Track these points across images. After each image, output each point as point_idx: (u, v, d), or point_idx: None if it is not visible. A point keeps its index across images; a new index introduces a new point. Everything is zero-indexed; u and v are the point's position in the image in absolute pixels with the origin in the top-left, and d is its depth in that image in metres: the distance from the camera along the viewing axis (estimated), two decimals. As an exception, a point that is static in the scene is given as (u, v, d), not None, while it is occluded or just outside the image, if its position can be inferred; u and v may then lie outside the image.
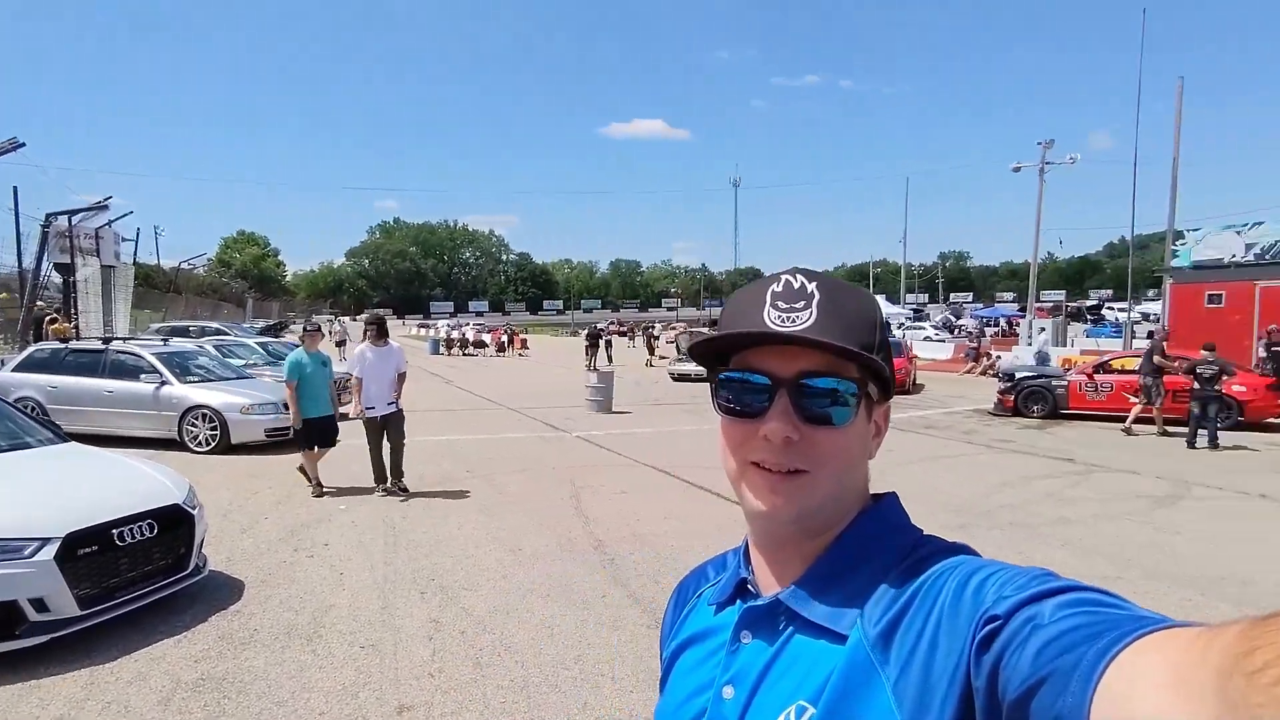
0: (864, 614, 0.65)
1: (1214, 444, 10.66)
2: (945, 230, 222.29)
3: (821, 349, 0.67)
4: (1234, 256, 17.94)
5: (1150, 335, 17.68)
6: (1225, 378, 10.98)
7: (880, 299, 49.88)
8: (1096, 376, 13.56)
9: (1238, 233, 18.25)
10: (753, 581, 0.75)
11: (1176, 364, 11.57)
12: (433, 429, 12.26)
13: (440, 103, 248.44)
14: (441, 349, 38.44)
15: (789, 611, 0.69)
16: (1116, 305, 55.17)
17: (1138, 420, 11.98)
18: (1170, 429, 11.91)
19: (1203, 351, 11.03)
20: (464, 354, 38.19)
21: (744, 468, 0.71)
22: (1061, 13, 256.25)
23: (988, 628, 0.54)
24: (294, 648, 4.22)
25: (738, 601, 0.76)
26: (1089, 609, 0.51)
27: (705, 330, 35.84)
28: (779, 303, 0.71)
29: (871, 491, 0.76)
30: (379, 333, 7.75)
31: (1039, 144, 30.44)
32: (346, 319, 64.90)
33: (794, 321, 0.68)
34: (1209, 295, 15.90)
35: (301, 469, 7.85)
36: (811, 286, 0.71)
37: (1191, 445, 10.76)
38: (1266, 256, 17.40)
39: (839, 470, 0.70)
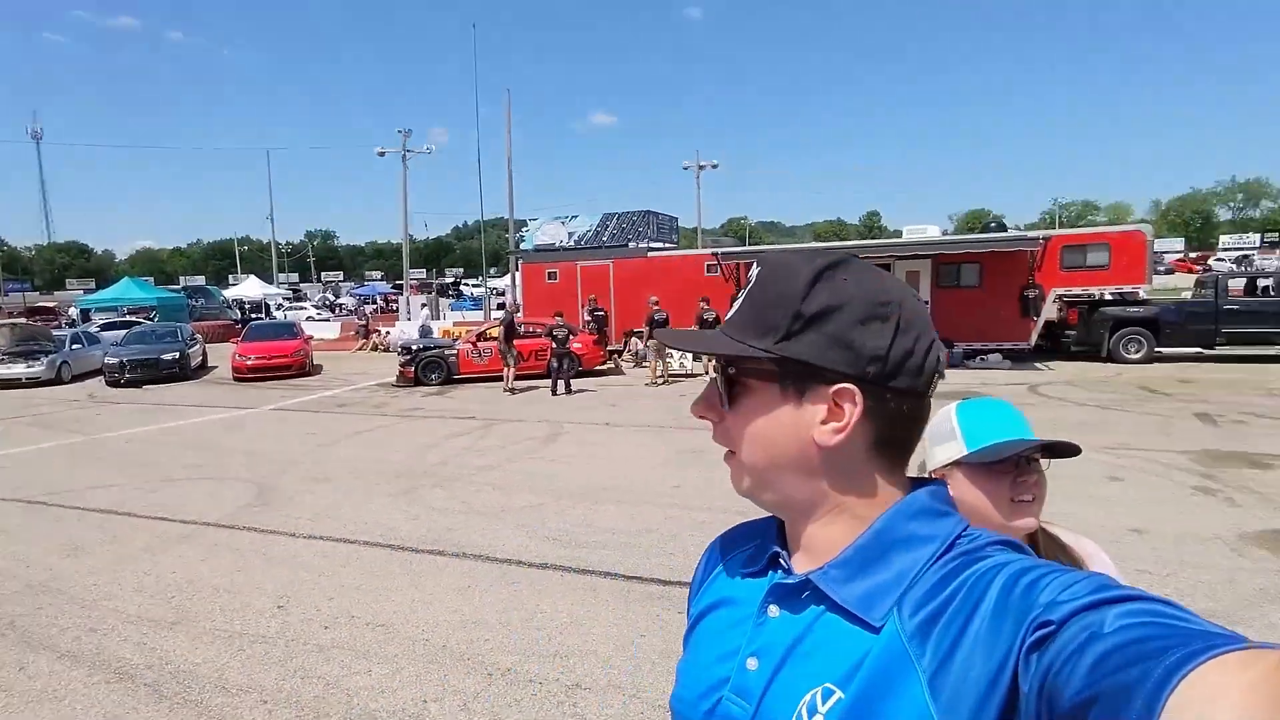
0: (901, 604, 0.63)
1: (569, 389, 13.63)
2: (311, 209, 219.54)
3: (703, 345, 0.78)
4: (561, 242, 23.26)
5: (502, 308, 21.28)
6: (572, 337, 14.09)
7: (252, 279, 46.95)
8: (479, 344, 15.70)
9: (563, 223, 23.78)
10: (784, 556, 0.74)
11: (538, 329, 14.32)
12: None
13: None
14: None
15: (818, 592, 0.68)
16: (470, 282, 63.53)
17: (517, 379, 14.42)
18: (518, 385, 14.63)
19: (556, 318, 13.93)
20: None
21: None
22: (402, 13, 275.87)
23: (1039, 632, 0.53)
24: None
25: (768, 573, 0.75)
26: (1154, 620, 0.48)
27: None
28: (740, 291, 0.75)
29: (911, 476, 0.74)
30: None
31: (399, 131, 32.90)
32: None
33: (730, 312, 0.75)
34: (548, 273, 19.97)
35: None
36: (754, 272, 0.74)
37: (554, 393, 13.51)
38: (582, 243, 22.98)
39: (749, 454, 0.71)
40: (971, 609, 0.59)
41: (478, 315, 28.06)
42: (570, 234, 23.43)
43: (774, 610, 0.71)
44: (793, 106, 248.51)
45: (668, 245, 23.13)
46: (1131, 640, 0.47)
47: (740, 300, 0.73)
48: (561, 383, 13.63)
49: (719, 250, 18.83)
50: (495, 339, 14.50)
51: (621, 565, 5.18)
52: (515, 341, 14.13)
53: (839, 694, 0.62)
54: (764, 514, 0.81)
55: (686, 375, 15.71)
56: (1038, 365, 15.06)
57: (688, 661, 0.79)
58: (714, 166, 44.66)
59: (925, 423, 0.72)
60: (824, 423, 0.68)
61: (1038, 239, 15.85)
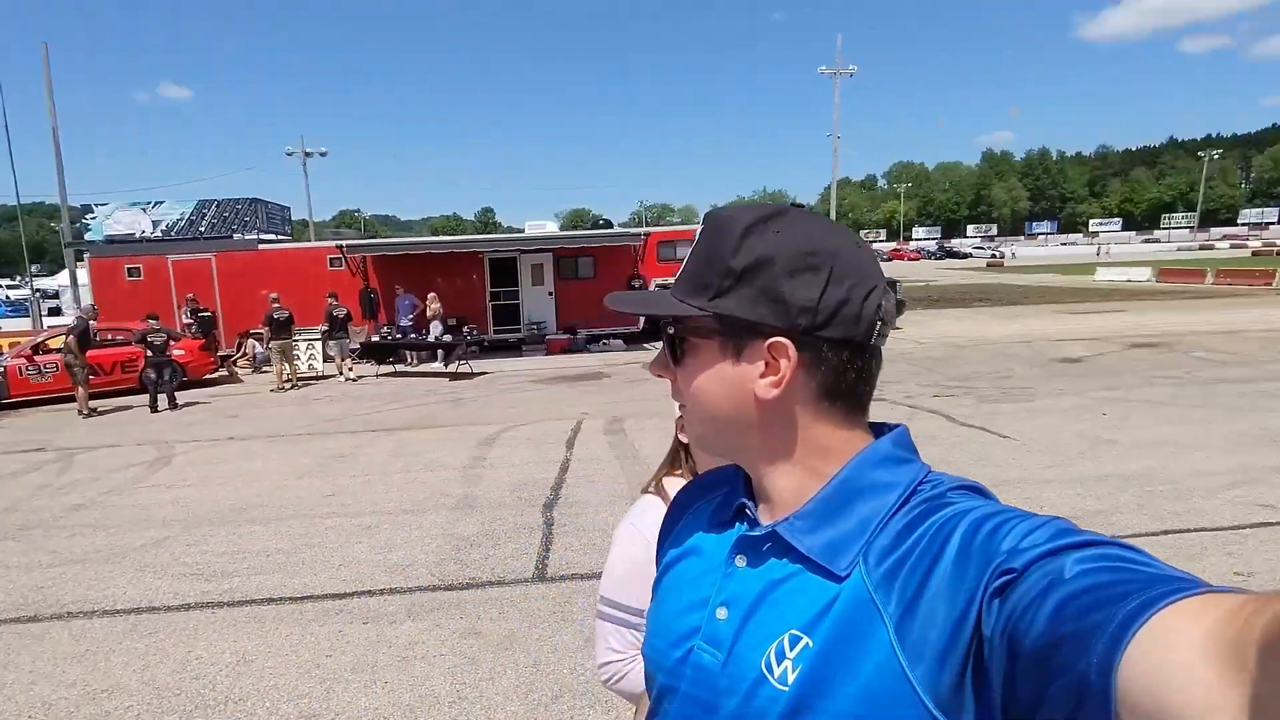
0: (867, 552, 0.64)
1: (173, 404, 11.72)
2: None
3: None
4: (144, 232, 19.55)
5: (57, 313, 17.28)
6: (172, 343, 12.13)
7: None
8: (38, 358, 12.63)
9: (144, 210, 19.93)
10: (750, 507, 0.75)
11: (123, 336, 12.02)
12: None
13: None
14: None
15: (784, 543, 0.69)
16: (4, 282, 49.95)
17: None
18: (98, 405, 12.33)
19: (149, 321, 11.83)
20: None
21: None
22: None
23: (1002, 579, 0.53)
24: None
25: (735, 524, 0.76)
26: (1115, 565, 0.49)
27: None
28: (688, 249, 0.76)
29: (877, 422, 0.75)
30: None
31: None
32: None
33: (678, 272, 0.75)
34: (128, 268, 16.62)
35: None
36: (698, 230, 0.75)
37: (155, 409, 11.50)
38: (173, 233, 19.63)
39: (698, 409, 0.73)
40: (935, 556, 0.59)
41: (22, 323, 22.31)
42: (156, 223, 19.83)
43: (741, 561, 0.72)
44: (405, 105, 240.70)
45: (281, 237, 21.03)
46: (1091, 586, 0.48)
47: (686, 259, 0.74)
48: (164, 396, 11.65)
49: (344, 243, 17.74)
50: (62, 350, 11.81)
51: (287, 587, 4.77)
52: (90, 352, 11.69)
53: (806, 640, 0.63)
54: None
55: (317, 377, 14.61)
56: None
57: (657, 610, 0.81)
58: (323, 154, 41.54)
59: (876, 372, 0.71)
60: (762, 376, 0.68)
61: (639, 235, 18.02)
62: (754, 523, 0.74)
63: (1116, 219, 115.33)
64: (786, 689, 0.63)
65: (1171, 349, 13.32)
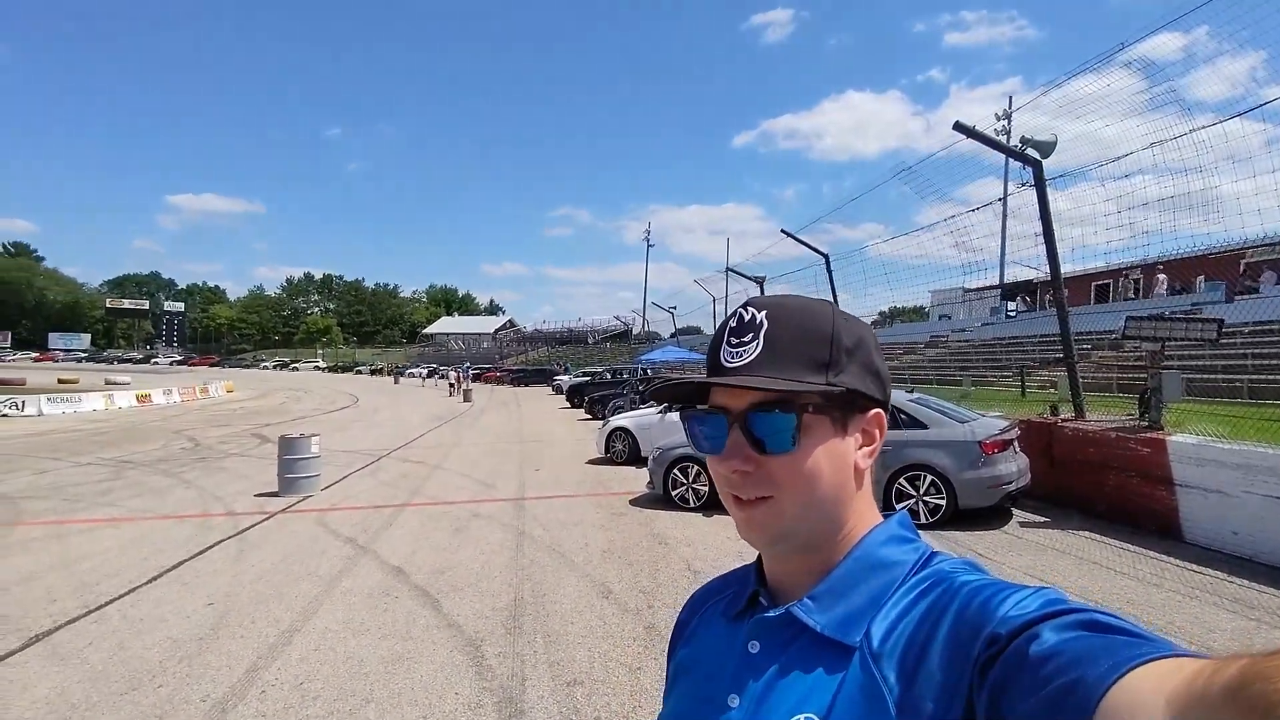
0: (870, 629, 0.66)
1: None
2: None
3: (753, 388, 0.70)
4: None
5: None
6: None
7: None
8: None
9: None
10: (764, 594, 0.76)
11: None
12: None
13: None
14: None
15: (798, 624, 0.70)
16: None
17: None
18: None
19: None
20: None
21: (727, 499, 0.73)
22: None
23: (991, 649, 0.55)
24: None
25: (749, 613, 0.77)
26: (1092, 632, 0.51)
27: None
28: (732, 339, 0.74)
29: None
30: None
31: None
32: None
33: (741, 357, 0.72)
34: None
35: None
36: (760, 316, 0.73)
37: None
38: None
39: (804, 492, 0.70)
40: (931, 629, 0.62)
41: None
42: None
43: (755, 646, 0.72)
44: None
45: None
46: (1070, 652, 0.50)
47: (750, 344, 0.72)
48: None
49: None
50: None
51: None
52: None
53: None
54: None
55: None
56: None
57: (669, 709, 0.80)
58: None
59: None
60: (859, 448, 0.73)
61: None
62: (768, 607, 0.74)
63: None
64: None
65: None
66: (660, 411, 13.58)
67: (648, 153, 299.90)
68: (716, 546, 7.36)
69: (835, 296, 16.85)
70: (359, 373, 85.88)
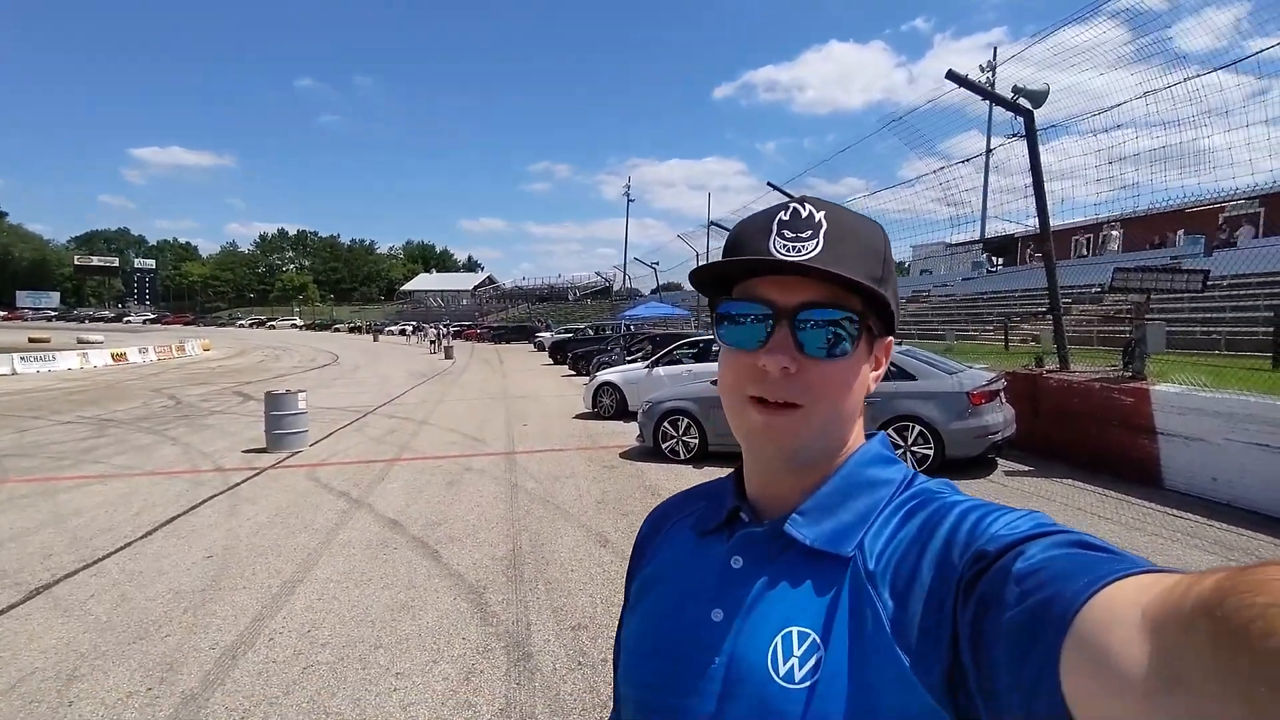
0: (864, 547, 0.67)
1: None
2: None
3: (827, 279, 0.67)
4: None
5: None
6: None
7: None
8: None
9: None
10: (746, 509, 0.75)
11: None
12: None
13: None
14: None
15: (786, 538, 0.70)
16: None
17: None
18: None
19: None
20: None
21: (742, 402, 0.70)
22: None
23: (976, 566, 0.56)
24: None
25: (728, 530, 0.76)
26: (1073, 550, 0.52)
27: None
28: (785, 231, 0.69)
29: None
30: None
31: None
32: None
33: (800, 251, 0.68)
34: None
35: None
36: (820, 215, 0.70)
37: None
38: None
39: (834, 404, 0.70)
40: (923, 547, 0.62)
41: None
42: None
43: (738, 561, 0.72)
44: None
45: None
46: (1051, 566, 0.51)
47: (810, 241, 0.68)
48: None
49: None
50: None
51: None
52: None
53: (813, 635, 0.64)
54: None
55: None
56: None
57: (640, 625, 0.78)
58: None
59: None
60: (872, 370, 0.74)
61: None
62: (750, 523, 0.74)
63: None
64: (794, 686, 0.62)
65: None
66: (648, 365, 13.61)
67: (628, 106, 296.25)
68: (710, 497, 7.46)
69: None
70: (337, 330, 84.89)
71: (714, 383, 10.37)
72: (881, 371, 0.75)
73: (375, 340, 58.77)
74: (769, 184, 16.23)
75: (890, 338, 0.75)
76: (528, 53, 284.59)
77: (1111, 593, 0.45)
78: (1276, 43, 8.52)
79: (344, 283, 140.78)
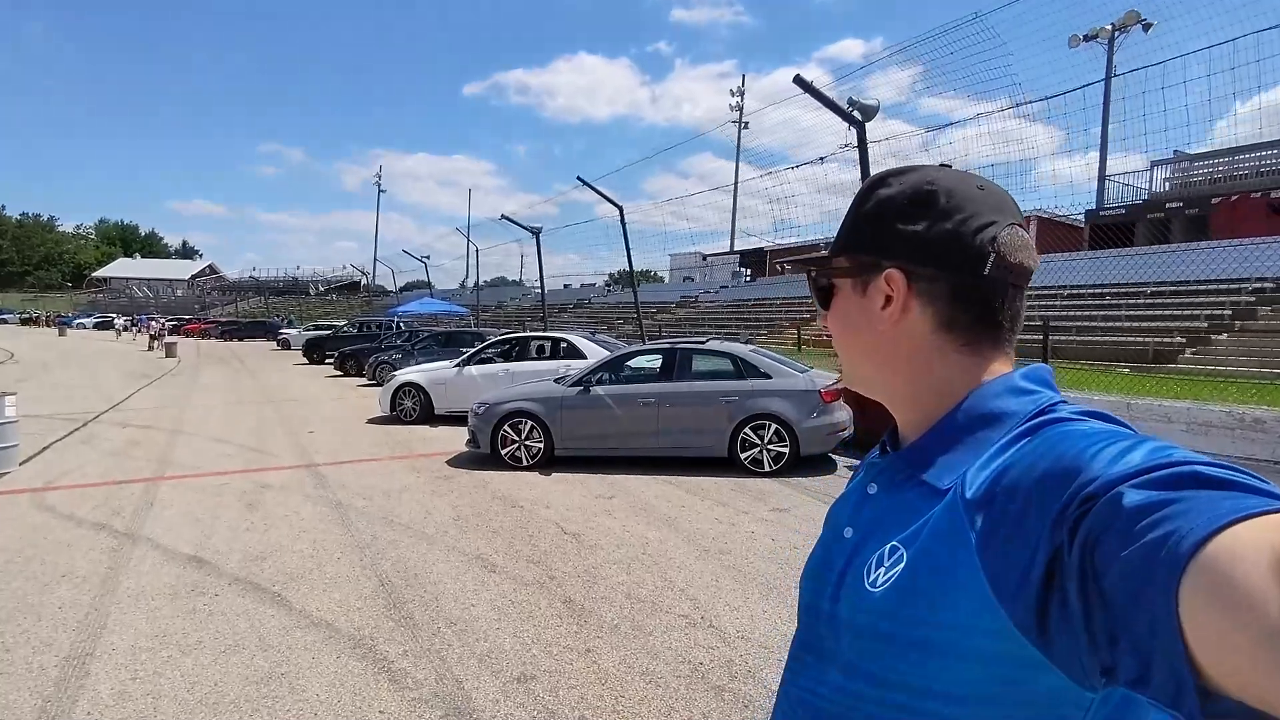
0: (967, 474, 0.66)
1: None
2: None
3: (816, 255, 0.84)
4: None
5: None
6: None
7: None
8: None
9: None
10: (888, 443, 0.81)
11: None
12: None
13: None
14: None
15: (903, 467, 0.74)
16: None
17: None
18: None
19: None
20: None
21: None
22: None
23: (1086, 505, 0.52)
24: None
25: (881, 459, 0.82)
26: (1195, 486, 0.48)
27: None
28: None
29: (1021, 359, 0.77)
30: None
31: None
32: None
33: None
34: None
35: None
36: (864, 190, 0.80)
37: None
38: None
39: (845, 347, 0.82)
40: (1024, 477, 0.60)
41: None
42: None
43: (873, 488, 0.78)
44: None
45: None
46: (1166, 503, 0.47)
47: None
48: None
49: None
50: None
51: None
52: None
53: (902, 550, 0.67)
54: None
55: None
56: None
57: (812, 552, 0.84)
58: None
59: (1007, 307, 0.73)
60: (882, 309, 0.75)
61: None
62: (888, 453, 0.80)
63: None
64: (876, 593, 0.67)
65: None
66: (458, 365, 12.45)
67: (370, 92, 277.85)
68: (577, 506, 6.78)
69: (630, 254, 16.79)
70: (4, 322, 69.16)
71: (558, 380, 9.74)
72: (896, 306, 0.75)
73: (62, 335, 48.60)
74: (579, 179, 15.78)
75: (893, 270, 0.75)
76: (249, 20, 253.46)
77: (1238, 531, 0.42)
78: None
79: (10, 264, 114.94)
